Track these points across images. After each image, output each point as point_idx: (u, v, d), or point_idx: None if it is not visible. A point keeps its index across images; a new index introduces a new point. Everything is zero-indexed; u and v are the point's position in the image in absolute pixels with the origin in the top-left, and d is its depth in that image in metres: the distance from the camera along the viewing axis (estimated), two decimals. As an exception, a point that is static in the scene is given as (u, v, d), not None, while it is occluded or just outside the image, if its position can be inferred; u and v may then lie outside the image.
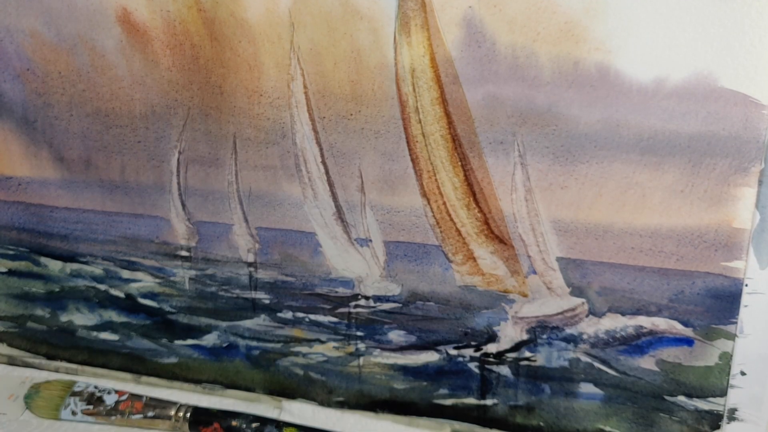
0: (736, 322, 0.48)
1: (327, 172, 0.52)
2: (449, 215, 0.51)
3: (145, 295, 0.62)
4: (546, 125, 0.46)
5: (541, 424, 0.55)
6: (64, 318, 0.65)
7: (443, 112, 0.48)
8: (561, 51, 0.44)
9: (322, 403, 0.60)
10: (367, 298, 0.56)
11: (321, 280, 0.56)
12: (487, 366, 0.55)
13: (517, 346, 0.54)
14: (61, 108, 0.57)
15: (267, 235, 0.56)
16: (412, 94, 0.48)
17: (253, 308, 0.59)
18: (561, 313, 0.52)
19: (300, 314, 0.58)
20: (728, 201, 0.45)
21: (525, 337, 0.53)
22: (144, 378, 0.65)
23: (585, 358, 0.52)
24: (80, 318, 0.65)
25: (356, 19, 0.47)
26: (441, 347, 0.56)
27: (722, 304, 0.47)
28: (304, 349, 0.60)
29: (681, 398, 0.51)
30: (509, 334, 0.54)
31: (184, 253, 0.59)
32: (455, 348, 0.55)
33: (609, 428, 0.54)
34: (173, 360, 0.64)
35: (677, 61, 0.42)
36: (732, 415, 0.50)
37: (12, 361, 0.68)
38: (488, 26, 0.45)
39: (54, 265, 0.64)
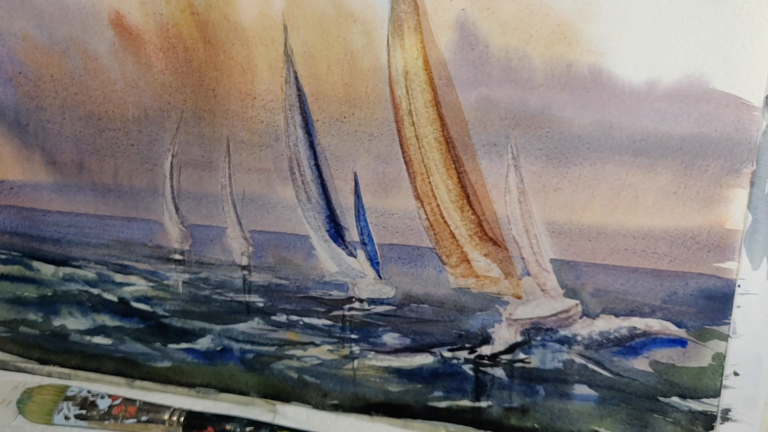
0: (729, 323, 0.48)
1: (320, 175, 0.52)
2: (443, 218, 0.51)
3: (138, 299, 0.62)
4: (539, 127, 0.46)
5: (536, 425, 0.55)
6: (56, 322, 0.65)
7: (437, 114, 0.48)
8: (554, 53, 0.44)
9: (316, 407, 0.60)
10: (361, 300, 0.56)
11: (315, 283, 0.56)
12: (481, 368, 0.55)
13: (511, 348, 0.54)
14: (53, 111, 0.57)
15: (261, 238, 0.56)
16: (405, 97, 0.48)
17: (247, 311, 0.59)
18: (555, 314, 0.52)
19: (294, 317, 0.58)
20: (720, 202, 0.45)
21: (519, 339, 0.53)
22: (137, 382, 0.64)
23: (579, 360, 0.52)
24: (73, 322, 0.64)
25: (349, 22, 0.47)
26: (435, 350, 0.56)
27: (715, 305, 0.48)
28: (298, 352, 0.59)
29: (675, 399, 0.51)
30: (503, 336, 0.54)
31: (177, 256, 0.59)
32: (449, 350, 0.55)
33: (603, 429, 0.54)
34: (167, 364, 0.63)
35: (669, 63, 0.43)
36: (725, 415, 0.50)
37: (4, 366, 0.67)
38: (481, 29, 0.45)
39: (46, 269, 0.63)
